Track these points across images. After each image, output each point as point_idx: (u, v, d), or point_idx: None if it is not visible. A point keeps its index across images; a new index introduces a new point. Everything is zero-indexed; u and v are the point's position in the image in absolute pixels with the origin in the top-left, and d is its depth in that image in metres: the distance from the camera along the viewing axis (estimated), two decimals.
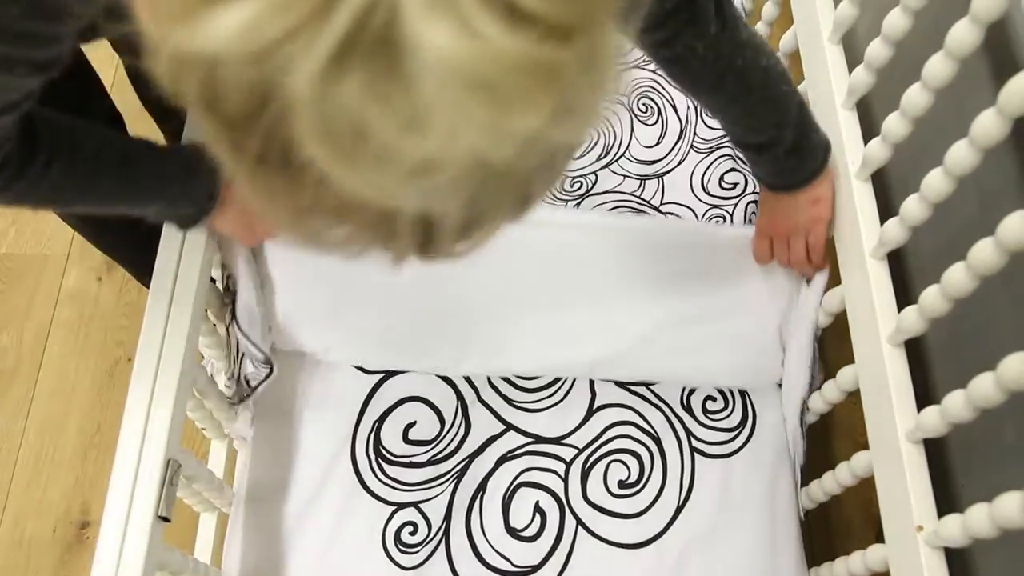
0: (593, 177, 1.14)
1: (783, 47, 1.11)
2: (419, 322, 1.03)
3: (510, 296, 1.02)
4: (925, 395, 1.12)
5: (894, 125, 0.81)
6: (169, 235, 0.88)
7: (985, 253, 0.66)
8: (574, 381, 1.05)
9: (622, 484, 1.00)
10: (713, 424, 1.03)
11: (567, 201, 1.13)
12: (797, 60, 1.07)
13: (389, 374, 1.05)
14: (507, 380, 1.05)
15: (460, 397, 1.04)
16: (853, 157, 0.90)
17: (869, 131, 0.90)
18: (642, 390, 1.05)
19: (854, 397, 0.90)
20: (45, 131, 0.68)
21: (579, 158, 1.14)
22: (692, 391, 1.05)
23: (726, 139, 1.15)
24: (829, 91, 0.95)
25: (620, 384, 1.05)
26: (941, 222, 0.86)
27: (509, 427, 1.02)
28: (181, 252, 0.87)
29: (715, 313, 1.03)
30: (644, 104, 1.20)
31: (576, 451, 1.01)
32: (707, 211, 1.12)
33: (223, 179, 0.71)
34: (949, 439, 0.81)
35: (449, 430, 1.02)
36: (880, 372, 0.82)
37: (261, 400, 1.04)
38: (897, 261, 0.93)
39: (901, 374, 0.81)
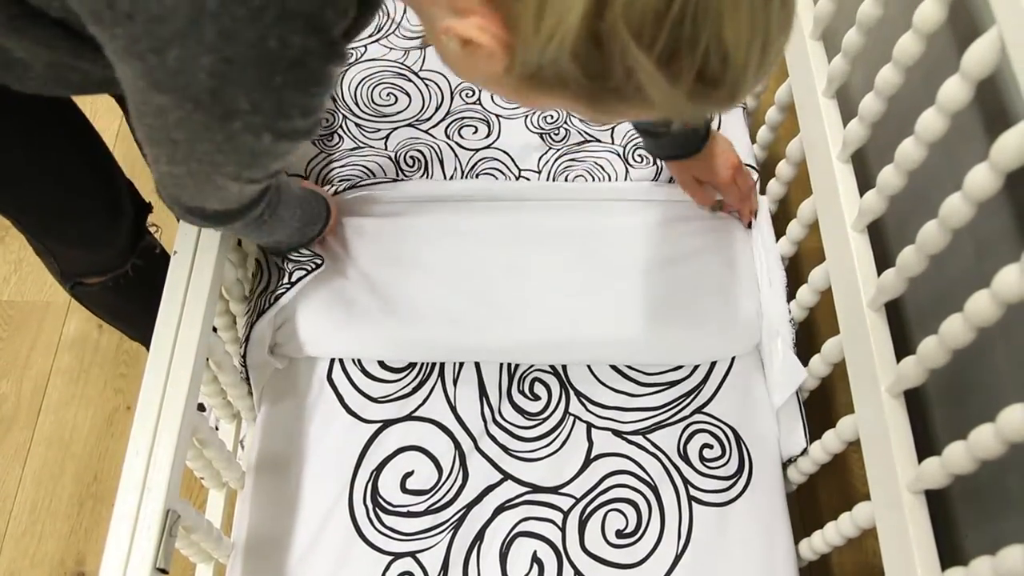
0: None
1: (779, 100, 1.13)
2: (429, 315, 1.06)
3: (505, 283, 1.08)
4: (927, 444, 1.12)
5: (889, 177, 0.82)
6: (171, 287, 0.88)
7: (982, 305, 0.66)
8: (571, 430, 1.05)
9: (620, 534, 0.99)
10: (710, 472, 1.03)
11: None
12: (792, 113, 1.08)
13: (386, 424, 1.04)
14: (505, 429, 1.05)
15: (458, 446, 1.03)
16: (850, 208, 0.91)
17: (865, 183, 0.92)
18: (639, 439, 1.04)
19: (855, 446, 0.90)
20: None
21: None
22: (689, 439, 1.05)
23: None
24: (825, 144, 0.96)
25: (617, 433, 1.04)
26: (938, 271, 0.86)
27: (507, 476, 1.02)
28: (184, 301, 0.87)
29: (687, 282, 1.09)
30: None
31: (574, 500, 1.01)
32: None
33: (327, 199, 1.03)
34: (952, 489, 0.80)
35: (447, 479, 1.01)
36: (880, 422, 0.82)
37: (260, 450, 1.04)
38: (895, 311, 0.93)
39: (901, 424, 0.81)
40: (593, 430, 1.05)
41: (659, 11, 0.43)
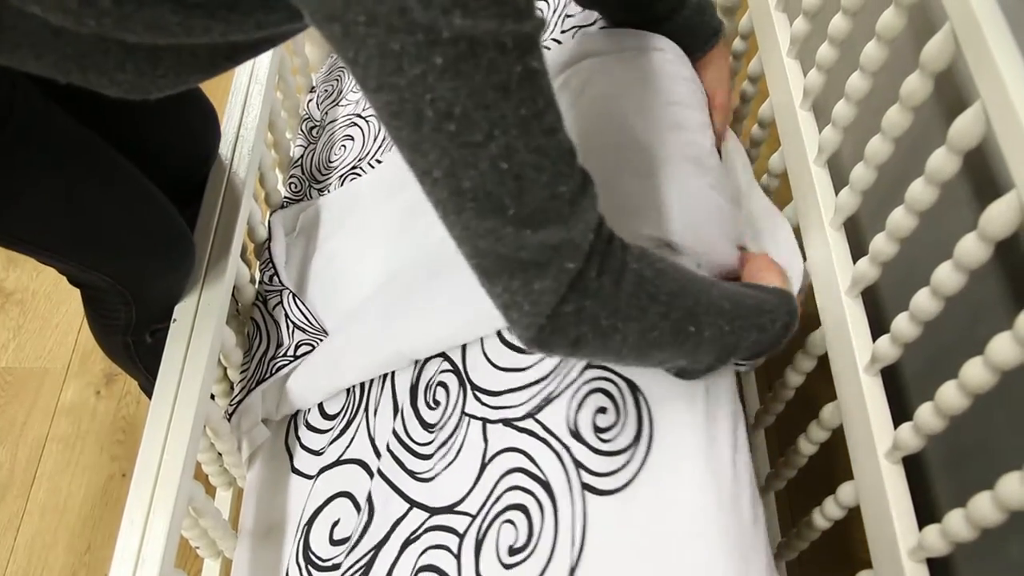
0: None
1: (771, 168, 1.16)
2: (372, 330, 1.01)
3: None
4: (928, 510, 1.11)
5: (881, 245, 0.83)
6: (170, 353, 0.89)
7: (976, 373, 0.67)
8: (467, 432, 0.91)
9: (512, 550, 0.82)
10: (604, 447, 0.83)
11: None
12: (785, 180, 1.10)
13: (320, 472, 1.00)
14: (407, 448, 0.94)
15: (367, 469, 0.97)
16: (843, 274, 0.92)
17: (860, 248, 0.93)
18: (529, 423, 0.87)
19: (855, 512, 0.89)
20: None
21: None
22: (580, 405, 0.86)
23: None
24: (817, 211, 0.98)
25: (508, 423, 0.89)
26: (933, 336, 0.87)
27: (411, 504, 0.91)
28: (183, 369, 0.88)
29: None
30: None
31: (469, 519, 0.86)
32: None
33: None
34: (954, 555, 0.80)
35: (360, 520, 0.92)
36: (879, 489, 0.81)
37: (247, 516, 1.04)
38: (892, 375, 0.94)
39: (900, 491, 0.81)
40: (488, 426, 0.90)
41: None
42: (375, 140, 1.30)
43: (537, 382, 0.90)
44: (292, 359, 1.03)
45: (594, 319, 0.61)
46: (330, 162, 1.33)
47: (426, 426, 0.95)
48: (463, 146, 0.50)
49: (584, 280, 0.59)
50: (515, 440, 0.88)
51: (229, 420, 1.01)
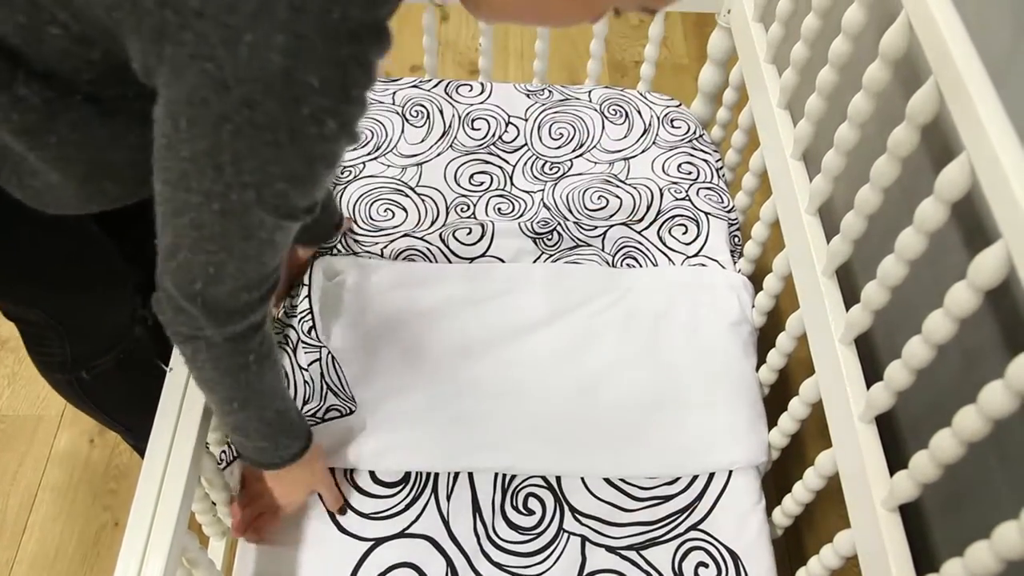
0: (569, 164, 1.36)
1: (764, 216, 1.17)
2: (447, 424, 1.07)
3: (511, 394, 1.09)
4: (927, 556, 1.10)
5: (873, 293, 0.84)
6: (166, 402, 0.89)
7: (969, 420, 0.67)
8: (565, 546, 1.02)
9: None
10: None
11: (546, 182, 1.33)
12: (777, 228, 1.12)
13: (378, 541, 1.02)
14: (499, 547, 1.02)
15: (450, 563, 1.00)
16: (836, 322, 0.93)
17: (853, 295, 0.93)
18: (633, 555, 1.02)
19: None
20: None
21: (557, 148, 1.39)
22: (684, 556, 1.02)
23: (686, 140, 1.39)
24: (809, 258, 0.99)
25: (611, 550, 1.02)
26: (928, 383, 0.87)
27: None
28: (178, 421, 0.88)
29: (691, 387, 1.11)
30: (614, 109, 1.43)
31: None
32: (667, 186, 1.31)
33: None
34: None
35: None
36: (876, 538, 0.81)
37: (252, 570, 1.02)
38: (888, 421, 0.94)
39: (897, 539, 0.80)
40: (587, 545, 1.03)
41: None
42: (431, 223, 1.28)
43: (642, 524, 1.04)
44: (319, 421, 1.04)
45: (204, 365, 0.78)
46: (372, 219, 1.27)
47: (518, 529, 1.03)
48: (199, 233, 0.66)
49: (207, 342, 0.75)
50: (618, 565, 1.01)
51: (224, 469, 1.01)
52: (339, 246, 1.24)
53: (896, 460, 0.85)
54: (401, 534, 1.02)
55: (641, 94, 1.46)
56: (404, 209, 1.29)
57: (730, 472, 1.07)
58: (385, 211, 1.29)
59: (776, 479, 1.28)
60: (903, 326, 1.06)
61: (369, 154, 1.36)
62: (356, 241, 1.25)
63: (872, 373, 0.90)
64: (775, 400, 1.15)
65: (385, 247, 1.24)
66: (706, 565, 1.01)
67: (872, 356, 1.18)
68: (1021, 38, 0.89)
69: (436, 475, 1.06)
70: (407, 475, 1.06)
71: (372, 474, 1.06)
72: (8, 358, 1.62)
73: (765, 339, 1.17)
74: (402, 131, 1.39)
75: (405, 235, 1.25)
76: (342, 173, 1.35)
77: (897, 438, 1.18)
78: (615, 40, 2.16)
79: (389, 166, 1.35)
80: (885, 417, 0.87)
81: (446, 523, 1.03)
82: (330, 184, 1.12)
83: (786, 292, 1.12)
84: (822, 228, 1.01)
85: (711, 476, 1.07)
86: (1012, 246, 0.63)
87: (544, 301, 1.18)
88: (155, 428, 0.87)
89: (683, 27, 2.21)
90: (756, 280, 1.24)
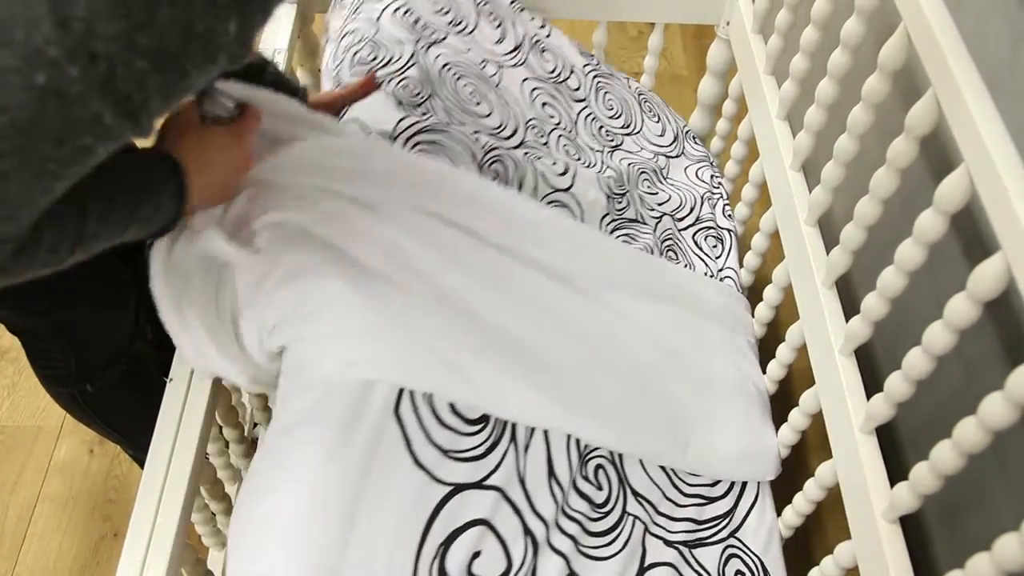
0: (620, 139, 1.35)
1: (763, 227, 1.17)
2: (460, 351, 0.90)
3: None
4: (927, 566, 1.10)
5: (872, 305, 0.84)
6: (166, 414, 0.89)
7: (969, 432, 0.67)
8: (631, 531, 0.96)
9: None
10: None
11: (604, 146, 1.31)
12: (777, 239, 1.12)
13: (458, 488, 0.86)
14: (574, 520, 0.93)
15: (528, 533, 0.88)
16: (836, 333, 0.93)
17: (853, 306, 0.93)
18: (686, 551, 1.00)
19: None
20: None
21: (610, 119, 1.37)
22: (727, 562, 1.01)
23: (707, 159, 1.40)
24: (809, 269, 0.99)
25: (668, 543, 0.99)
26: (928, 393, 0.87)
27: None
28: (177, 432, 0.88)
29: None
30: (649, 106, 1.43)
31: None
32: (706, 195, 1.34)
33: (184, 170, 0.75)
34: None
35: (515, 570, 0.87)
36: (877, 550, 0.81)
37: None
38: (888, 432, 0.94)
39: (899, 551, 0.80)
40: (647, 536, 0.98)
41: None
42: (512, 132, 1.17)
43: (692, 521, 1.02)
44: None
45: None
46: (459, 95, 1.16)
47: (591, 503, 0.96)
48: None
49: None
50: (675, 559, 0.99)
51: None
52: (429, 104, 1.12)
53: (897, 471, 0.84)
54: (479, 484, 0.88)
55: (664, 103, 1.47)
56: (489, 103, 1.20)
57: (759, 484, 1.08)
58: (472, 94, 1.18)
59: (776, 491, 1.28)
60: (903, 337, 1.06)
61: (452, 24, 1.25)
62: (446, 111, 1.13)
63: (872, 384, 0.90)
64: (775, 411, 1.15)
65: (477, 135, 1.11)
66: (743, 574, 1.01)
67: (872, 367, 1.18)
68: (1019, 50, 0.90)
69: (514, 425, 0.93)
70: (484, 416, 0.91)
71: (452, 407, 0.89)
72: (8, 369, 1.62)
73: (765, 350, 1.17)
74: (476, 23, 1.29)
75: (491, 134, 1.15)
76: (424, 29, 1.21)
77: (898, 449, 1.18)
78: (614, 51, 2.16)
79: (469, 49, 1.23)
80: (885, 428, 0.87)
81: (522, 481, 0.91)
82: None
83: (786, 303, 1.13)
84: (822, 239, 1.01)
85: (744, 486, 1.07)
86: (1011, 257, 0.63)
87: (602, 274, 1.07)
88: (155, 439, 0.87)
89: (682, 38, 2.22)
90: (756, 291, 1.24)
